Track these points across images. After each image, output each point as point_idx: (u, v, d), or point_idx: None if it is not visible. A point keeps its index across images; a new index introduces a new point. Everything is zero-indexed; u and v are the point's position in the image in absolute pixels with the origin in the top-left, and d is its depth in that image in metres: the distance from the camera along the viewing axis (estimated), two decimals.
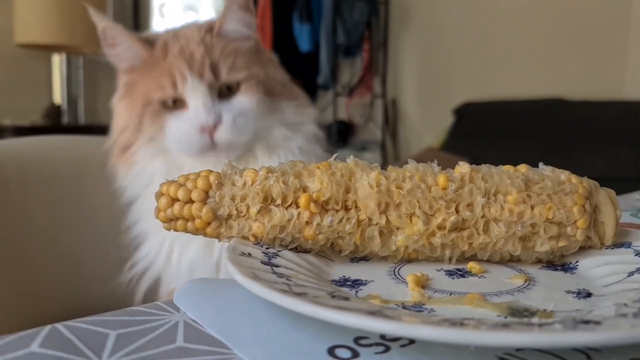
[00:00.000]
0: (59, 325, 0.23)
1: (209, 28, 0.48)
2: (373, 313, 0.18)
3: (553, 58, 2.15)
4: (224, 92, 0.46)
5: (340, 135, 2.73)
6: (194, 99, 0.44)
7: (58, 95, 2.14)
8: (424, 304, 0.23)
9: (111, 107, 0.50)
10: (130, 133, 0.47)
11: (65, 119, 2.09)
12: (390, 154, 2.73)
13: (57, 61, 2.13)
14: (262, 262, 0.25)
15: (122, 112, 0.49)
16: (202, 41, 0.46)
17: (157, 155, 0.46)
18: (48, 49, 2.07)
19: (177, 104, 0.46)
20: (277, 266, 0.25)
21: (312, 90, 2.97)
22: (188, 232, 0.28)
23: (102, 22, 0.46)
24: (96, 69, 2.34)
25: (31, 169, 0.64)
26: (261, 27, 2.68)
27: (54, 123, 2.05)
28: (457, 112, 2.21)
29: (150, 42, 0.48)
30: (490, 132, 2.06)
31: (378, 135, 2.76)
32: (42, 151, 0.67)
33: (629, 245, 0.29)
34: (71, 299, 0.65)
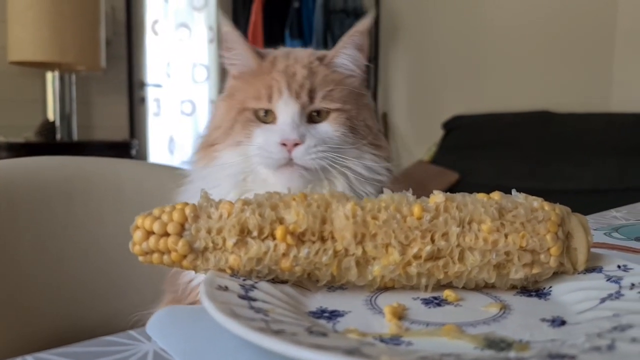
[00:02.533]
0: (29, 357, 0.23)
1: (321, 57, 0.50)
2: (351, 352, 0.19)
3: (540, 72, 2.19)
4: (314, 117, 0.47)
5: None
6: (284, 115, 0.46)
7: (51, 112, 2.14)
8: (401, 337, 0.23)
9: (214, 104, 0.53)
10: (221, 133, 0.49)
11: (58, 136, 2.09)
12: None
13: (51, 78, 2.13)
14: (239, 296, 0.25)
15: (220, 112, 0.51)
16: (309, 65, 0.48)
17: (236, 159, 0.47)
18: (41, 66, 2.07)
19: (269, 117, 0.47)
20: (254, 300, 0.25)
21: None
22: (164, 264, 0.28)
23: (225, 27, 0.49)
24: (89, 86, 2.35)
25: (20, 189, 0.64)
26: (253, 44, 2.71)
27: (47, 140, 2.04)
28: (447, 125, 2.24)
29: (261, 55, 0.50)
30: (479, 144, 2.08)
31: None
32: (31, 171, 0.67)
33: (600, 270, 0.29)
34: (61, 316, 0.65)
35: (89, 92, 2.34)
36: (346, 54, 0.49)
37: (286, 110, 0.46)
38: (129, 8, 2.50)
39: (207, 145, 0.49)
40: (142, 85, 2.61)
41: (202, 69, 2.89)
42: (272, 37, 2.69)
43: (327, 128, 0.47)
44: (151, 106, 2.65)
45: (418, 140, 2.55)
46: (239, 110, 0.48)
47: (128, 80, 2.48)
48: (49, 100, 2.16)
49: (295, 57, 0.49)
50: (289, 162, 0.45)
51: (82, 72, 2.22)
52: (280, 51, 0.51)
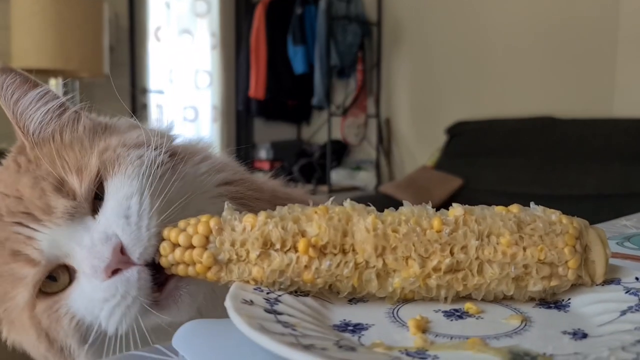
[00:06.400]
0: None
1: (18, 151, 0.35)
2: None
3: (543, 77, 2.20)
4: (100, 206, 0.32)
5: (335, 155, 2.75)
6: (71, 250, 0.30)
7: None
8: (427, 350, 0.23)
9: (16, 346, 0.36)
10: (54, 357, 0.33)
11: None
12: (384, 173, 2.75)
13: (54, 85, 2.15)
14: (265, 310, 0.25)
15: (25, 345, 0.35)
16: (21, 170, 0.33)
17: (102, 354, 0.31)
18: (45, 73, 2.09)
19: (61, 276, 0.31)
20: (280, 314, 0.25)
21: (307, 110, 3.01)
22: (189, 276, 0.29)
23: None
24: (92, 92, 2.36)
25: None
26: (256, 50, 2.73)
27: None
28: (450, 131, 2.24)
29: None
30: (482, 150, 2.09)
31: (372, 154, 2.79)
32: None
33: (618, 282, 0.30)
34: None
35: (92, 98, 2.33)
36: (27, 106, 0.35)
37: (64, 241, 0.30)
38: (132, 15, 2.52)
39: None
40: (145, 91, 2.62)
41: (205, 75, 2.90)
42: (275, 43, 2.70)
43: (114, 188, 0.31)
44: (154, 112, 2.66)
45: (421, 145, 2.56)
46: (29, 316, 0.32)
47: (131, 86, 2.50)
48: None
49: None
50: (134, 269, 0.30)
51: (85, 79, 2.24)
52: None
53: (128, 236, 0.29)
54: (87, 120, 0.37)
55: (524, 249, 0.28)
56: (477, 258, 0.28)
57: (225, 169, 0.38)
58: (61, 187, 0.31)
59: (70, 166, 0.32)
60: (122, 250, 0.29)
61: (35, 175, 0.32)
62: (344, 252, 0.28)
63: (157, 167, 0.32)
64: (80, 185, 0.32)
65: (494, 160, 2.02)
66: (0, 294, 0.32)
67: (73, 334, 0.31)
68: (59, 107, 0.36)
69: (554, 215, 0.29)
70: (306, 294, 0.29)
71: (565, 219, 0.29)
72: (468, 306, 0.28)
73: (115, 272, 0.29)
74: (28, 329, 0.32)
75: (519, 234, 0.28)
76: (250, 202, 0.38)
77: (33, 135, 0.35)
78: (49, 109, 0.35)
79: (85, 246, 0.29)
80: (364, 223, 0.28)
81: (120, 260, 0.29)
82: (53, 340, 0.32)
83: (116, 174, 0.32)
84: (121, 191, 0.31)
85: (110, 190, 0.32)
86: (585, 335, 0.25)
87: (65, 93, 0.38)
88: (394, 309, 0.28)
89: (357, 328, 0.26)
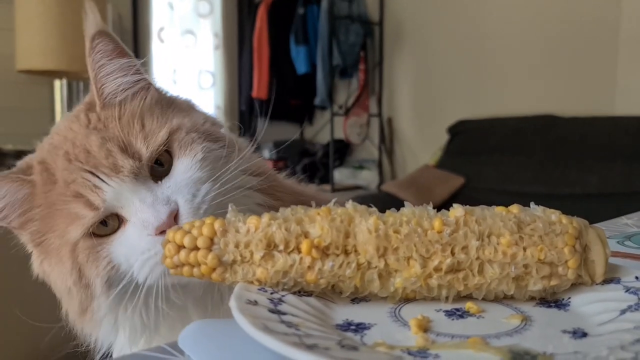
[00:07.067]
0: None
1: (89, 106, 0.39)
2: None
3: (545, 76, 2.19)
4: (157, 171, 0.36)
5: (337, 154, 2.76)
6: (128, 203, 0.34)
7: (59, 120, 2.17)
8: (428, 350, 0.23)
9: (41, 277, 0.39)
10: (77, 292, 0.36)
11: None
12: (387, 172, 2.75)
13: (59, 86, 2.16)
14: (269, 311, 0.26)
15: (54, 276, 0.38)
16: (90, 127, 0.37)
17: (121, 301, 0.35)
18: (49, 74, 2.10)
19: (110, 223, 0.35)
20: (283, 314, 0.26)
21: (310, 110, 3.01)
22: (194, 277, 0.29)
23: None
24: None
25: None
26: (258, 50, 2.73)
27: None
28: (452, 130, 2.24)
29: (26, 171, 0.38)
30: (484, 149, 2.09)
31: (375, 153, 2.79)
32: None
33: (618, 281, 0.30)
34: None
35: None
36: (109, 73, 0.38)
37: (125, 195, 0.34)
38: (135, 16, 2.53)
39: (79, 313, 0.38)
40: None
41: (208, 76, 2.91)
42: (278, 44, 2.71)
43: (183, 164, 0.36)
44: None
45: (423, 144, 2.56)
46: (70, 251, 0.36)
47: None
48: (57, 108, 2.18)
49: (64, 135, 0.37)
50: None
51: (90, 80, 2.25)
52: (42, 148, 0.39)
53: (188, 208, 0.34)
54: (156, 92, 0.41)
55: (524, 249, 0.29)
56: (477, 258, 0.28)
57: (260, 169, 0.42)
58: (126, 148, 0.36)
59: (136, 132, 0.36)
60: (175, 217, 0.34)
61: (102, 135, 0.36)
62: (346, 252, 0.28)
63: (223, 163, 0.37)
64: (146, 150, 0.36)
65: (495, 159, 2.02)
66: (50, 225, 0.36)
67: (104, 276, 0.35)
68: (136, 81, 0.40)
69: (554, 215, 0.30)
70: (309, 294, 0.29)
71: (565, 219, 0.30)
72: (469, 305, 0.29)
73: (162, 232, 0.33)
74: (65, 260, 0.36)
75: (519, 234, 0.29)
76: (278, 193, 0.42)
77: (106, 98, 0.39)
78: (126, 81, 0.39)
79: (147, 203, 0.34)
80: (366, 224, 0.28)
81: (170, 224, 0.33)
82: (82, 276, 0.36)
83: (186, 155, 0.36)
84: (190, 172, 0.36)
85: (179, 168, 0.36)
86: (585, 334, 0.26)
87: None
88: (395, 309, 0.29)
89: (360, 327, 0.26)
